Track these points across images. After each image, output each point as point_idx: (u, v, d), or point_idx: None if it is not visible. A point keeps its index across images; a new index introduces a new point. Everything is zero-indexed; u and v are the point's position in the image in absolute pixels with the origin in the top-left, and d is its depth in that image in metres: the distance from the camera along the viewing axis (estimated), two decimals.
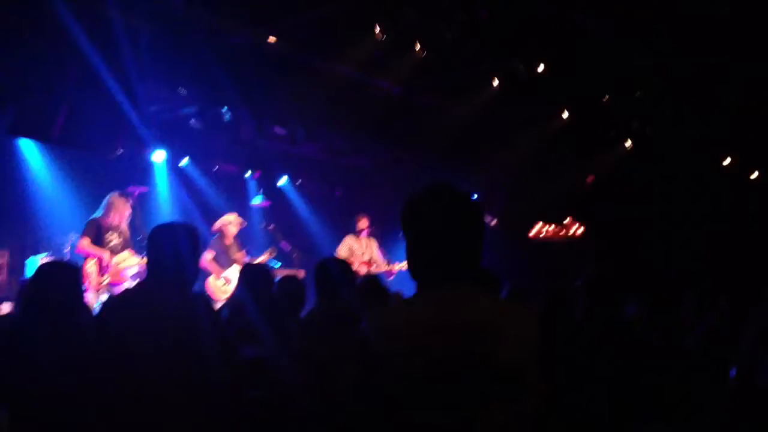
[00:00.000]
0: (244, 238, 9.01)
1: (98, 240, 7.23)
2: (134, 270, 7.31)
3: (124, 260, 7.35)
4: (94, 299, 6.98)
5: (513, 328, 1.86)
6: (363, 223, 9.33)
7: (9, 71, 6.78)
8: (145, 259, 3.31)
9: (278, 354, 3.59)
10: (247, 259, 8.52)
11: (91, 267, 7.16)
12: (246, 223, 8.98)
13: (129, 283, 7.27)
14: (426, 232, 1.94)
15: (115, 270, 7.27)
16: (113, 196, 7.42)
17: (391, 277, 9.13)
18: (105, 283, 7.20)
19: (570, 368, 3.41)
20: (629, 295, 3.83)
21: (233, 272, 8.20)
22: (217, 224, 8.62)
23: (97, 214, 7.37)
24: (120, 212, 7.40)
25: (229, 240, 8.56)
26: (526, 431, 1.83)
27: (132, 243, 7.49)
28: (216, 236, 8.57)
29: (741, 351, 4.12)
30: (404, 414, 1.78)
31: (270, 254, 8.67)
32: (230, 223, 8.59)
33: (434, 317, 1.85)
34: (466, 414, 1.77)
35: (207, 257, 8.23)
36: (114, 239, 7.32)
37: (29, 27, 6.58)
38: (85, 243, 7.16)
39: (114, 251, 7.31)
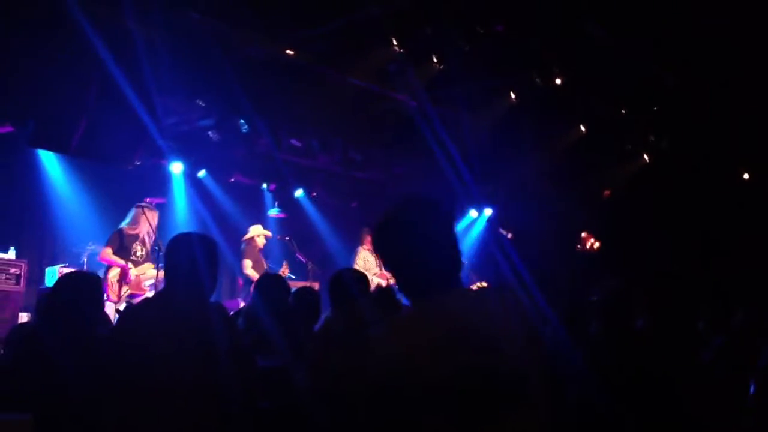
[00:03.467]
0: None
1: (121, 250, 7.27)
2: (152, 281, 7.33)
3: (145, 272, 7.38)
4: (114, 309, 7.02)
5: (518, 335, 1.87)
6: None
7: (29, 85, 6.87)
8: (162, 271, 3.35)
9: (293, 364, 3.59)
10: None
11: (113, 277, 7.21)
12: (271, 236, 9.11)
13: (148, 294, 7.31)
14: (413, 243, 1.92)
15: (137, 281, 7.31)
16: (143, 207, 7.40)
17: None
18: (125, 293, 7.22)
19: (585, 382, 3.38)
20: (642, 309, 3.80)
21: None
22: (249, 233, 8.80)
23: (123, 224, 7.41)
24: (148, 223, 7.39)
25: (258, 250, 8.76)
26: None
27: (152, 255, 7.52)
28: (247, 245, 8.71)
29: (759, 365, 4.07)
30: (415, 426, 1.76)
31: (284, 270, 8.67)
32: (260, 234, 8.85)
33: (438, 328, 1.82)
34: (477, 424, 1.75)
35: (248, 264, 8.50)
36: (138, 250, 7.37)
37: (50, 41, 6.67)
38: (108, 252, 7.22)
39: (136, 263, 7.35)
